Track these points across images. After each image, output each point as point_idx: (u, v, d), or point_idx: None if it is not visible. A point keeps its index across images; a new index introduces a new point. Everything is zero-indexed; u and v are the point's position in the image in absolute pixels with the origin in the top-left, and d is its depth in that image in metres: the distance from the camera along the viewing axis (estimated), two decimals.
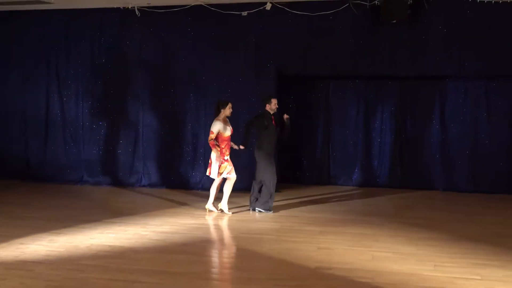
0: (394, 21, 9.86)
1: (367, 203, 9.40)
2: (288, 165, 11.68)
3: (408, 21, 9.93)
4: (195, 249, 6.91)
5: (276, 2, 10.45)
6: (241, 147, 9.02)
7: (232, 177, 8.94)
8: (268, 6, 10.45)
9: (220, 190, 9.08)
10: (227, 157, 8.87)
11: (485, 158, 10.81)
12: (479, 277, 5.84)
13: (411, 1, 9.74)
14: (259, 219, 8.70)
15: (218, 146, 8.79)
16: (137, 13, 11.06)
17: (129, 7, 11.05)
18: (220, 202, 9.02)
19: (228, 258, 6.60)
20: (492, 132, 10.79)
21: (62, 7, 11.38)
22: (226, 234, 7.74)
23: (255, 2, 10.57)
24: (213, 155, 8.79)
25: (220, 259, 6.53)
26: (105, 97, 11.60)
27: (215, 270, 6.11)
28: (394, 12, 9.76)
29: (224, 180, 9.02)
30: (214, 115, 8.95)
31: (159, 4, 10.89)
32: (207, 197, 9.47)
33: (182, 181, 11.31)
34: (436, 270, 6.07)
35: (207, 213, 9.01)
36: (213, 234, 7.70)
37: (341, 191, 10.91)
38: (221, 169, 8.81)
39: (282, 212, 9.13)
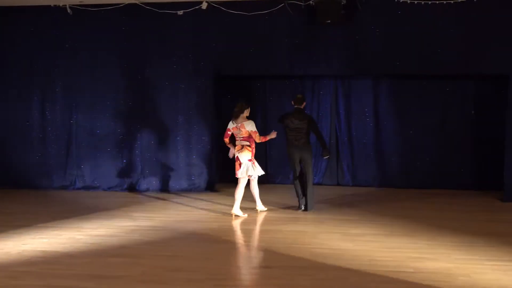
0: (329, 21, 10.01)
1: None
2: (225, 165, 11.67)
3: (342, 21, 10.10)
4: (133, 252, 6.80)
5: (212, 2, 10.41)
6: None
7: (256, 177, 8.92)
8: (204, 5, 10.40)
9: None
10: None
11: (417, 154, 11.16)
12: (412, 270, 6.01)
13: (344, 2, 9.91)
14: (198, 219, 8.66)
15: (250, 146, 8.75)
16: (69, 11, 10.78)
17: (61, 5, 10.75)
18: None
19: (166, 259, 6.52)
20: (423, 129, 11.14)
21: None
22: (164, 235, 7.65)
23: (191, 1, 10.50)
24: (246, 156, 8.70)
25: (158, 261, 6.45)
26: (37, 98, 11.25)
27: (153, 272, 6.03)
28: (328, 12, 9.91)
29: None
30: (237, 116, 8.71)
31: (92, 2, 10.65)
32: (146, 198, 9.38)
33: (119, 183, 11.11)
34: (371, 265, 6.19)
35: (233, 218, 8.71)
36: (151, 235, 7.60)
37: (279, 190, 10.99)
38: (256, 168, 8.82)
39: (221, 212, 9.11)
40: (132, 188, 11.03)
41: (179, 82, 10.84)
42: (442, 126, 11.12)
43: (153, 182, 11.00)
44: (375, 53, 10.29)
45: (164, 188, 10.96)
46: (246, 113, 8.80)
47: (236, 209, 8.72)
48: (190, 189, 10.88)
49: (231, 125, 8.84)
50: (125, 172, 11.13)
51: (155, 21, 10.75)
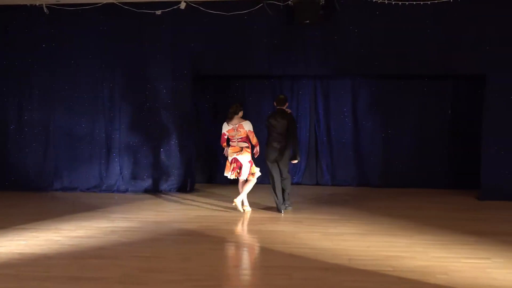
0: (307, 22, 10.03)
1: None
2: (204, 165, 11.68)
3: (321, 22, 10.13)
4: (111, 253, 6.76)
5: (190, 1, 10.38)
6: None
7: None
8: (183, 5, 10.36)
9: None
10: None
11: (395, 154, 11.24)
12: (391, 269, 6.06)
13: (323, 2, 9.95)
14: (177, 219, 8.62)
15: (248, 147, 8.79)
16: (45, 10, 10.66)
17: (37, 4, 10.63)
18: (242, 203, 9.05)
19: (145, 260, 6.49)
20: (401, 129, 11.22)
21: None
22: (143, 236, 7.61)
23: (169, 0, 10.45)
24: (246, 157, 8.75)
25: (137, 262, 6.41)
26: (12, 98, 11.10)
27: (132, 273, 5.99)
28: (306, 12, 9.93)
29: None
30: (232, 118, 8.79)
31: (69, 2, 10.54)
32: (125, 199, 9.31)
33: (98, 184, 11.02)
34: (350, 264, 6.23)
35: (233, 204, 8.92)
36: (130, 236, 7.55)
37: (257, 190, 10.97)
38: (253, 169, 8.86)
39: (199, 212, 9.10)
40: (111, 189, 10.94)
41: (157, 82, 10.78)
42: (419, 125, 11.21)
43: (132, 183, 10.93)
44: (354, 53, 10.35)
45: (143, 188, 10.89)
46: (240, 114, 8.84)
47: (239, 200, 8.86)
48: (169, 190, 10.83)
49: (226, 128, 8.88)
50: (103, 173, 11.04)
51: (133, 21, 10.68)
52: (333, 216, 8.75)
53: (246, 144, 8.80)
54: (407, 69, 10.40)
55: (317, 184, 11.65)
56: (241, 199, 8.91)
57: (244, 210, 9.00)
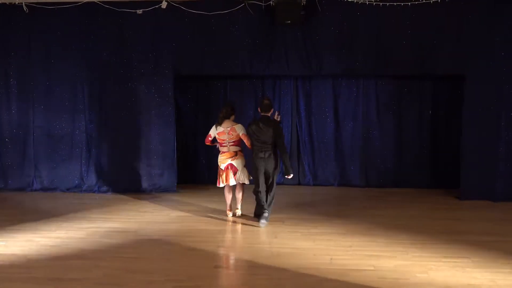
0: (289, 22, 10.06)
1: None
2: (186, 166, 11.65)
3: (302, 22, 10.17)
4: (92, 254, 6.73)
5: (171, 1, 10.35)
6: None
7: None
8: (164, 5, 10.33)
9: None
10: None
11: (376, 154, 11.32)
12: (372, 268, 6.12)
13: (304, 3, 9.98)
14: (158, 220, 8.60)
15: (241, 151, 8.58)
16: (25, 9, 10.55)
17: (16, 2, 10.52)
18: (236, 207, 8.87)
19: (126, 261, 6.47)
20: (382, 129, 11.30)
21: None
22: (124, 236, 7.58)
23: (151, 0, 10.41)
24: (241, 162, 8.52)
25: (118, 262, 6.39)
26: None
27: (113, 274, 5.97)
28: (288, 13, 9.94)
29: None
30: (221, 122, 8.47)
31: (49, 0, 10.45)
32: (106, 200, 9.26)
33: (78, 184, 10.94)
34: (332, 264, 6.28)
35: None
36: (111, 237, 7.52)
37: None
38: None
39: (181, 213, 9.08)
40: (91, 189, 10.87)
41: (138, 81, 10.71)
42: (400, 125, 11.28)
43: (113, 183, 10.86)
44: (334, 54, 10.39)
45: (124, 189, 10.82)
46: (232, 118, 8.57)
47: (239, 206, 8.83)
48: (151, 190, 10.78)
49: (214, 131, 8.54)
50: (84, 173, 10.96)
51: (114, 20, 10.60)
52: (315, 216, 8.79)
53: (239, 148, 8.54)
54: (387, 69, 10.46)
55: (299, 184, 11.66)
56: (240, 205, 8.84)
57: (237, 213, 8.87)
